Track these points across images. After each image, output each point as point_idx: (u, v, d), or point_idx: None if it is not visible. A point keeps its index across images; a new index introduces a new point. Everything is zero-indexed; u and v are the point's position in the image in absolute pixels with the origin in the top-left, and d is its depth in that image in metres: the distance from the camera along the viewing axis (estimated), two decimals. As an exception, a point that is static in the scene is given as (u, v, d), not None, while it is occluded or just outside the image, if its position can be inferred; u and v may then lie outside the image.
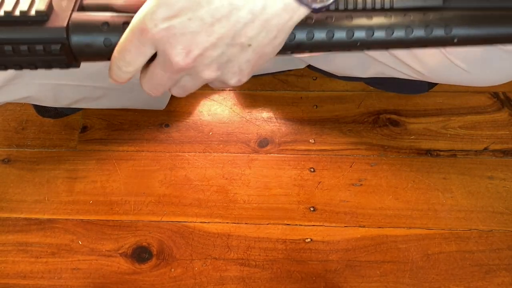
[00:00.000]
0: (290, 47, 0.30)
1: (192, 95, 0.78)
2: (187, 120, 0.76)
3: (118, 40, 0.29)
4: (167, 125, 0.76)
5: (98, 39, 0.29)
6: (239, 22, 0.26)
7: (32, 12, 0.28)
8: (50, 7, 0.29)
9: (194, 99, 0.78)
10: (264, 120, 0.75)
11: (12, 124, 0.77)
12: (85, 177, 0.72)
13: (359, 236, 0.66)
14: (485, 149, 0.71)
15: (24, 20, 0.28)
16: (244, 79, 0.31)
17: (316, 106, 0.76)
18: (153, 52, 0.29)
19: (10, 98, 0.58)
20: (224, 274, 0.64)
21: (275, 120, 0.75)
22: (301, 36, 0.30)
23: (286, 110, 0.76)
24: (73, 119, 0.77)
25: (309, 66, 0.76)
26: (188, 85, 0.31)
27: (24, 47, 0.28)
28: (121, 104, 0.71)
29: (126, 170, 0.72)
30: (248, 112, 0.76)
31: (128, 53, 0.28)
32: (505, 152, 0.71)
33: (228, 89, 0.79)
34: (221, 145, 0.73)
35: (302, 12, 0.27)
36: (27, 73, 0.55)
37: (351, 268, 0.63)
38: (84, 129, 0.76)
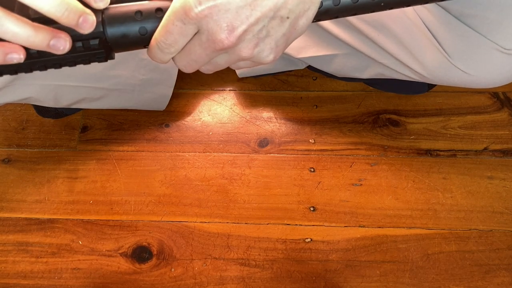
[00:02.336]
0: (319, 14, 0.32)
1: (192, 95, 0.78)
2: (187, 120, 0.76)
3: (153, 27, 0.29)
4: (167, 125, 0.76)
5: (133, 29, 0.29)
6: None
7: None
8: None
9: (194, 99, 0.78)
10: (264, 120, 0.75)
11: (12, 124, 0.77)
12: (85, 177, 0.72)
13: (359, 236, 0.66)
14: (485, 149, 0.72)
15: None
16: (278, 56, 0.32)
17: (316, 106, 0.76)
18: (195, 31, 0.29)
19: (11, 99, 0.58)
20: (224, 274, 0.64)
21: (275, 120, 0.75)
22: (328, 2, 0.31)
23: (286, 110, 0.76)
24: (73, 119, 0.77)
25: (309, 67, 0.76)
26: (221, 63, 0.32)
27: None
28: (121, 105, 0.71)
29: (126, 170, 0.72)
30: (248, 112, 0.76)
31: (171, 35, 0.28)
32: (505, 152, 0.71)
33: (228, 89, 0.79)
34: (221, 145, 0.73)
35: None
36: (27, 74, 0.55)
37: (351, 268, 0.64)
38: (84, 129, 0.76)
